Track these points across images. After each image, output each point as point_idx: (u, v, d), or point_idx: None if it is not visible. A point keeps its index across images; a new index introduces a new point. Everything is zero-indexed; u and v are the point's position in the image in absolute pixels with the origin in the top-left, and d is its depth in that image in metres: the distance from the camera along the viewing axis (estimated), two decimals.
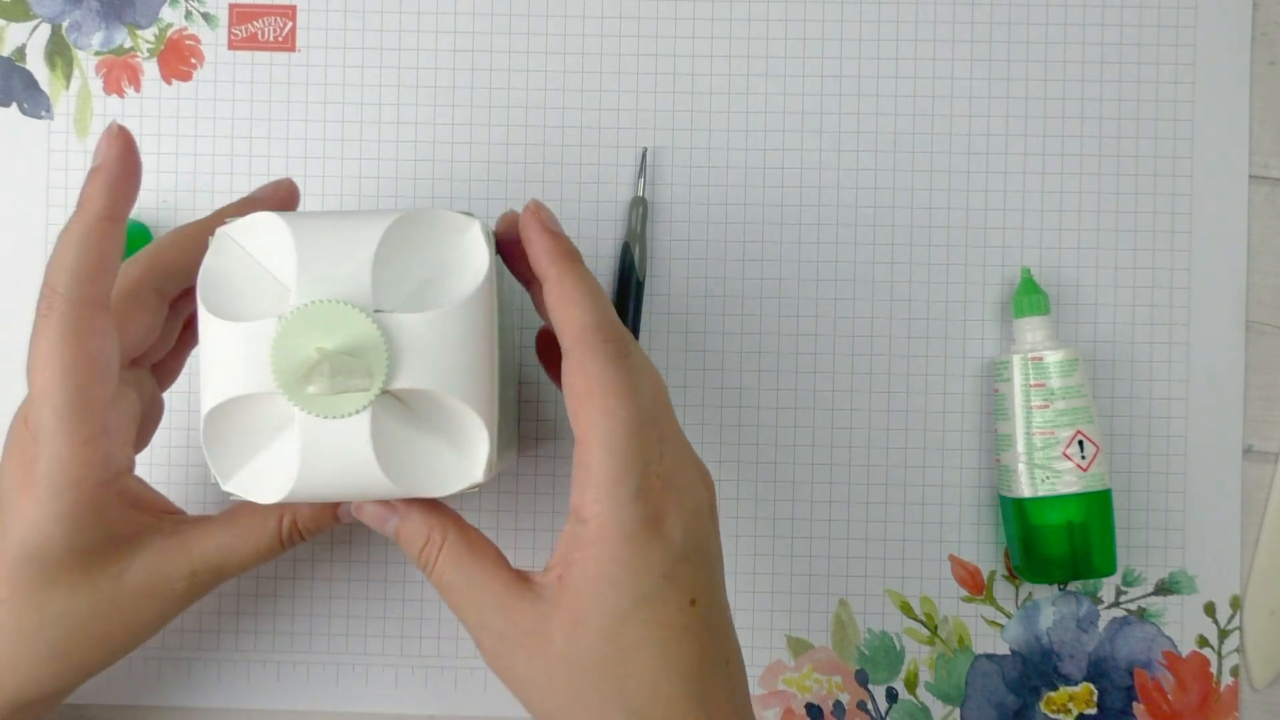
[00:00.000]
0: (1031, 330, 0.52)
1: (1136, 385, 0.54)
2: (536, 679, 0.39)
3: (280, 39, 0.55)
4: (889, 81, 0.55)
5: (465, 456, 0.39)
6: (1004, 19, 0.55)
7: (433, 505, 0.42)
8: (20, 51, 0.55)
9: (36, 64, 0.55)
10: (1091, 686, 0.54)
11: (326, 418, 0.37)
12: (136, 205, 0.54)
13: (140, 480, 0.44)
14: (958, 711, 0.54)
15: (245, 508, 0.43)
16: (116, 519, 0.41)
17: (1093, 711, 0.54)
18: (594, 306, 0.39)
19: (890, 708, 0.54)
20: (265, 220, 0.39)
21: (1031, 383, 0.51)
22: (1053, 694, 0.54)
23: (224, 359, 0.38)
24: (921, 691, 0.54)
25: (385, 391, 0.38)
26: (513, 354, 0.48)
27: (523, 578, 0.40)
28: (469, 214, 0.39)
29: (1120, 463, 0.54)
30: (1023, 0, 0.55)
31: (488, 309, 0.39)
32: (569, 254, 0.40)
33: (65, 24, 0.55)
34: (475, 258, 0.39)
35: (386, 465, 0.38)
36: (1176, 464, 0.54)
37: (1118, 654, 0.54)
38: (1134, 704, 0.54)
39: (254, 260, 0.39)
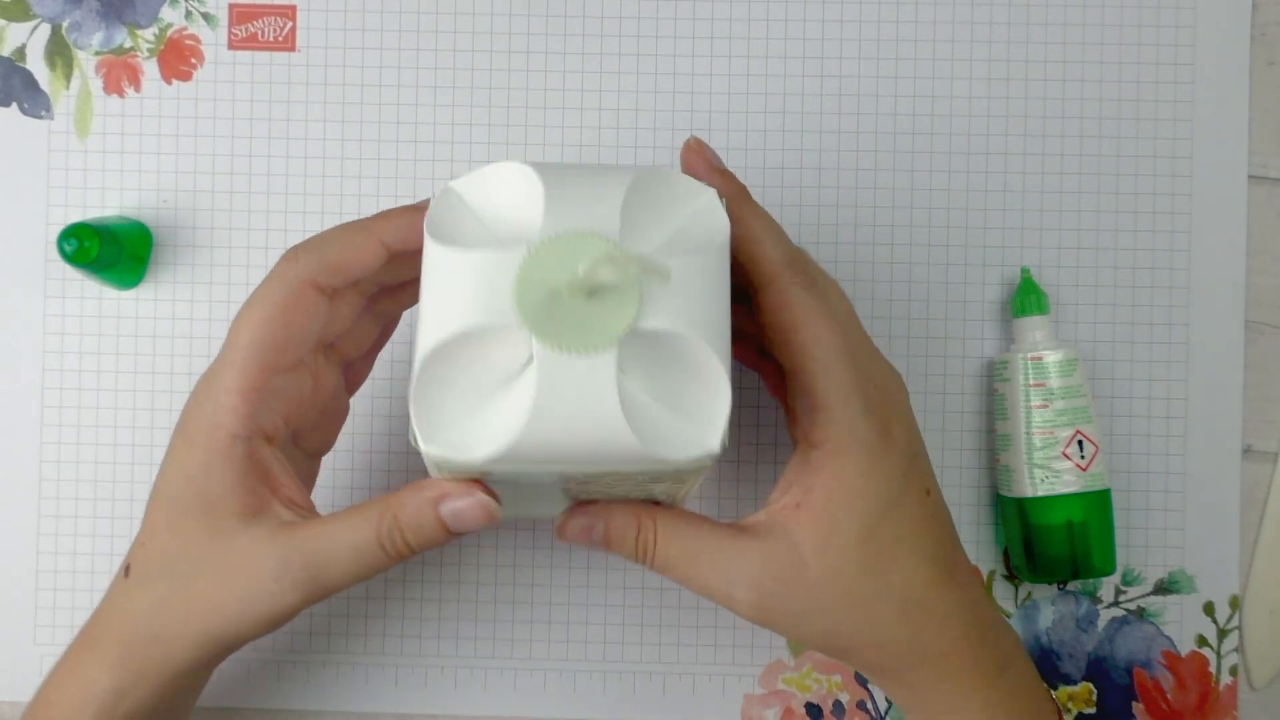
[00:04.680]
0: (1031, 330, 0.52)
1: (1136, 385, 0.54)
2: (801, 607, 0.40)
3: (280, 39, 0.55)
4: (889, 81, 0.55)
5: (699, 422, 0.36)
6: (1004, 19, 0.55)
7: (627, 500, 0.41)
8: (20, 51, 0.55)
9: (36, 64, 0.55)
10: (1091, 686, 0.54)
11: (572, 351, 0.34)
12: (135, 205, 0.55)
13: (283, 464, 0.42)
14: None
15: (355, 505, 0.41)
16: (244, 486, 0.40)
17: (1092, 711, 0.54)
18: (782, 241, 0.40)
19: (890, 707, 0.54)
20: (499, 170, 0.37)
21: (1031, 383, 0.51)
22: (1052, 693, 0.54)
23: (455, 289, 0.35)
24: None
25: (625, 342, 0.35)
26: None
27: (740, 526, 0.41)
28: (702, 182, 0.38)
29: (1120, 463, 0.54)
30: (1022, 0, 0.55)
31: (725, 265, 0.37)
32: (745, 191, 0.41)
33: (65, 24, 0.55)
34: (712, 217, 0.37)
35: (627, 415, 0.34)
36: (1176, 464, 0.54)
37: (1117, 653, 0.54)
38: (1133, 703, 0.54)
39: (483, 213, 0.37)
